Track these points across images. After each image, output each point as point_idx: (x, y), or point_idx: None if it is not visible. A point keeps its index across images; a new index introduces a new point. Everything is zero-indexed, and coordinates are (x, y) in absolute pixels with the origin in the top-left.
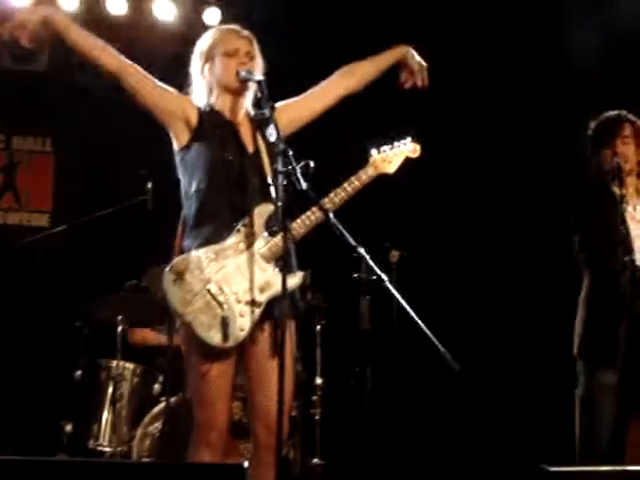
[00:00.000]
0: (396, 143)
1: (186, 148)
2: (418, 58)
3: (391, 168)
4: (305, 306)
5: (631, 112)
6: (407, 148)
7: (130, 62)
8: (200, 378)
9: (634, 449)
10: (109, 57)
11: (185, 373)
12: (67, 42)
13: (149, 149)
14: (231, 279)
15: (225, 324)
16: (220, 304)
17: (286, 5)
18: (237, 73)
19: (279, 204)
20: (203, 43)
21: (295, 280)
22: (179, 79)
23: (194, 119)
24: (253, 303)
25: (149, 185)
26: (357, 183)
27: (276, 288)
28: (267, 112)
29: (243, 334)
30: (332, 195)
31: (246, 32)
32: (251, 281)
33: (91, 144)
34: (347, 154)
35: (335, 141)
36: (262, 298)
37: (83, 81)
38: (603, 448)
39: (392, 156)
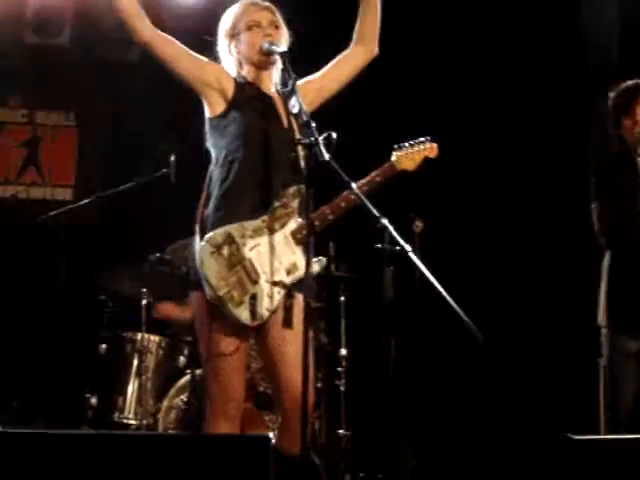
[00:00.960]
0: (416, 141)
1: (222, 116)
2: None
3: (411, 166)
4: (323, 277)
5: None
6: (426, 148)
7: (165, 35)
8: (216, 351)
9: None
10: (145, 26)
11: (200, 346)
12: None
13: (172, 122)
14: (264, 258)
15: (253, 302)
16: (252, 281)
17: None
18: (260, 48)
19: (310, 191)
20: (226, 21)
21: (316, 266)
22: (199, 49)
23: (230, 89)
24: (280, 284)
25: (172, 158)
26: (380, 179)
27: (301, 272)
28: (290, 84)
29: (267, 314)
30: (358, 186)
31: (267, 3)
32: (280, 262)
33: (114, 117)
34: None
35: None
36: (287, 280)
37: (106, 54)
38: (627, 416)
39: (413, 153)
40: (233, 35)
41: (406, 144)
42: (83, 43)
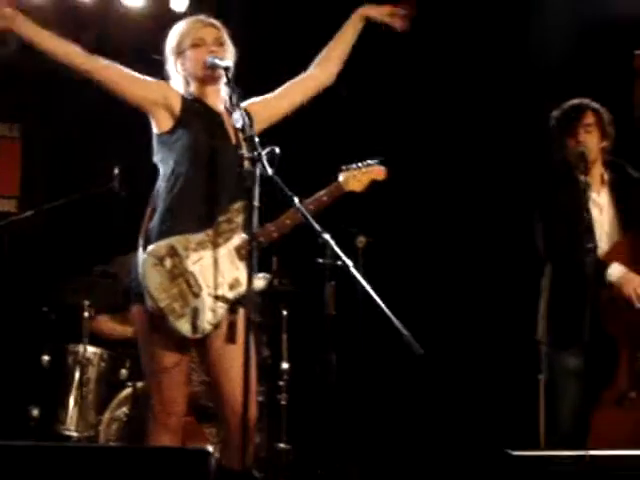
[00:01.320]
0: (364, 163)
1: (169, 133)
2: (380, 7)
3: (359, 187)
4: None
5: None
6: (373, 170)
7: (104, 60)
8: (158, 365)
9: (597, 433)
10: (81, 59)
11: (142, 359)
12: (36, 48)
13: (118, 135)
14: (207, 272)
15: (195, 315)
16: (194, 294)
17: None
18: (204, 63)
19: (255, 204)
20: (171, 39)
21: (260, 282)
22: (148, 66)
23: (177, 105)
24: (222, 299)
25: (116, 171)
26: (326, 199)
27: (244, 287)
28: (233, 98)
29: (209, 327)
30: (304, 204)
31: (211, 19)
32: (224, 277)
33: (60, 130)
34: (316, 171)
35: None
36: (230, 295)
37: (53, 67)
38: (566, 432)
39: (361, 175)
40: (179, 53)
41: (354, 165)
42: (29, 54)
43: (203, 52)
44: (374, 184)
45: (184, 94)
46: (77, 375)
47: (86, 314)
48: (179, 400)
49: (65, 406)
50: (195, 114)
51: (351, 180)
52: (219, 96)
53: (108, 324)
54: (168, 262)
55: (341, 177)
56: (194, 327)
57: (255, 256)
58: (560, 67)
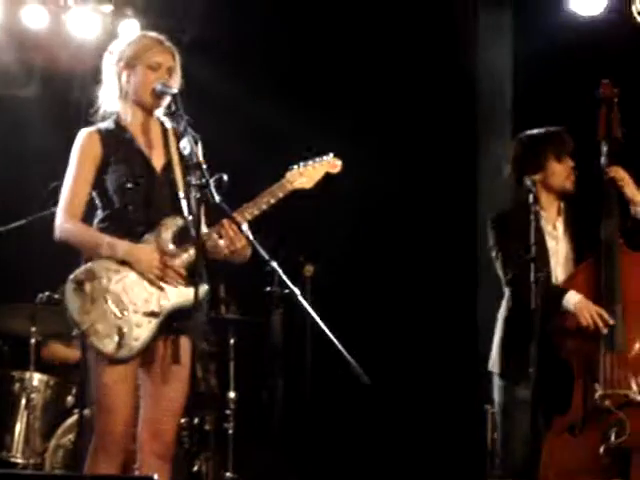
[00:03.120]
0: (317, 158)
1: (96, 169)
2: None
3: (308, 183)
4: (213, 320)
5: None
6: (327, 163)
7: (75, 210)
8: (98, 385)
9: (548, 460)
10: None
11: (87, 381)
12: None
13: (64, 159)
14: (131, 289)
15: (120, 334)
16: (116, 314)
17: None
18: (153, 90)
19: (189, 218)
20: (127, 48)
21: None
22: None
23: (98, 153)
24: (151, 314)
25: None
26: (270, 198)
27: (176, 300)
28: (182, 125)
29: (137, 344)
30: (243, 210)
31: (169, 44)
32: (151, 293)
33: (7, 155)
34: (262, 165)
35: (250, 151)
36: (160, 309)
37: (1, 92)
38: (518, 463)
39: (310, 171)
40: (130, 65)
41: (304, 162)
42: None
43: (154, 78)
44: (324, 210)
45: (105, 125)
46: (23, 402)
47: (33, 341)
48: (119, 424)
49: (11, 433)
50: (114, 149)
51: (297, 177)
52: (148, 119)
53: (61, 350)
54: (87, 286)
55: (287, 175)
56: (119, 346)
57: (202, 269)
58: (527, 94)
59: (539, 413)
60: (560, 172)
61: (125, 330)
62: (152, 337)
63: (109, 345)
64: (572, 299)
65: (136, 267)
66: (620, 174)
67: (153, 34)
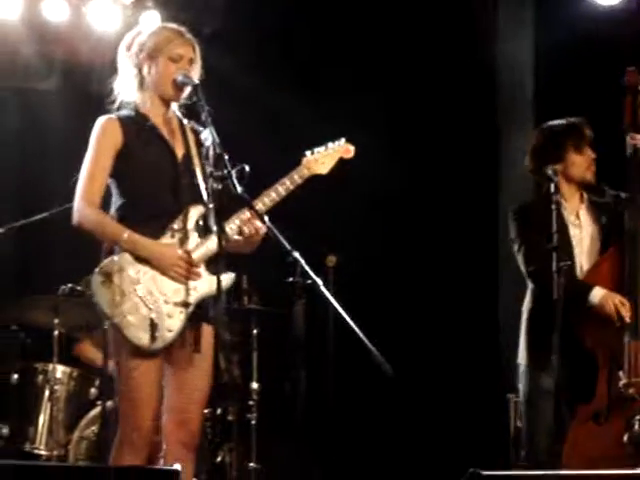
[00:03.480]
0: (330, 144)
1: (116, 157)
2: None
3: (324, 169)
4: (236, 310)
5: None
6: (340, 149)
7: (94, 197)
8: (126, 379)
9: (572, 449)
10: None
11: (113, 375)
12: None
13: (83, 153)
14: (160, 280)
15: (153, 325)
16: (148, 305)
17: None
18: (174, 81)
19: (210, 206)
20: (148, 40)
21: (226, 282)
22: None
23: (119, 138)
24: (182, 304)
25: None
26: (289, 184)
27: (204, 289)
28: (203, 116)
29: (171, 335)
30: (262, 196)
31: (190, 36)
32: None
33: (29, 148)
34: (282, 156)
35: (270, 142)
36: (190, 299)
37: (23, 85)
38: (543, 452)
39: (325, 156)
40: (152, 57)
41: (318, 148)
42: None
43: (175, 69)
44: (346, 201)
45: (126, 111)
46: (47, 394)
47: (56, 333)
48: (145, 416)
49: (34, 425)
50: (135, 135)
51: (312, 164)
52: (168, 109)
53: (91, 351)
54: (116, 278)
55: (303, 162)
56: (153, 337)
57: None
58: (548, 85)
59: (563, 402)
60: (580, 163)
61: (157, 321)
62: (184, 327)
63: (143, 337)
64: (598, 294)
65: (156, 265)
66: None
67: (174, 26)
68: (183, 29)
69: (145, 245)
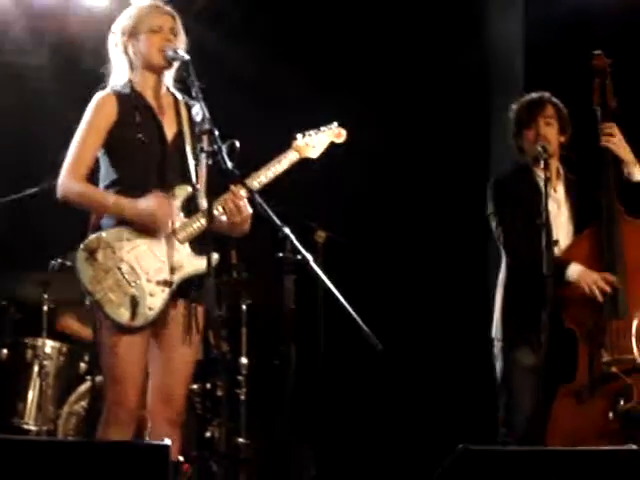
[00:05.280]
0: (322, 128)
1: (108, 132)
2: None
3: (314, 153)
4: (225, 285)
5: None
6: (332, 133)
7: (79, 170)
8: (109, 355)
9: (555, 426)
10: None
11: (98, 351)
12: None
13: (73, 128)
14: (143, 258)
15: (134, 303)
16: (130, 283)
17: None
18: (163, 52)
19: (198, 186)
20: (125, 20)
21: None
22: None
23: (114, 114)
24: (164, 283)
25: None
26: (277, 167)
27: (188, 269)
28: (194, 91)
29: (152, 313)
30: (250, 179)
31: (168, 8)
32: (163, 261)
33: (19, 123)
34: (273, 138)
35: (259, 124)
36: (173, 278)
37: (13, 60)
38: (524, 429)
39: (316, 140)
40: (132, 35)
41: (309, 132)
42: None
43: (159, 39)
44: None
45: (120, 88)
46: (36, 369)
47: (45, 308)
48: (130, 392)
49: (24, 400)
50: (128, 113)
51: (303, 148)
52: (160, 84)
53: (74, 325)
54: (100, 254)
55: (293, 145)
56: (133, 314)
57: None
58: (527, 67)
59: (547, 378)
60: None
61: (139, 299)
62: (165, 306)
63: (124, 315)
64: (574, 270)
65: (148, 219)
66: (614, 130)
67: (147, 2)
68: (158, 2)
69: (134, 204)
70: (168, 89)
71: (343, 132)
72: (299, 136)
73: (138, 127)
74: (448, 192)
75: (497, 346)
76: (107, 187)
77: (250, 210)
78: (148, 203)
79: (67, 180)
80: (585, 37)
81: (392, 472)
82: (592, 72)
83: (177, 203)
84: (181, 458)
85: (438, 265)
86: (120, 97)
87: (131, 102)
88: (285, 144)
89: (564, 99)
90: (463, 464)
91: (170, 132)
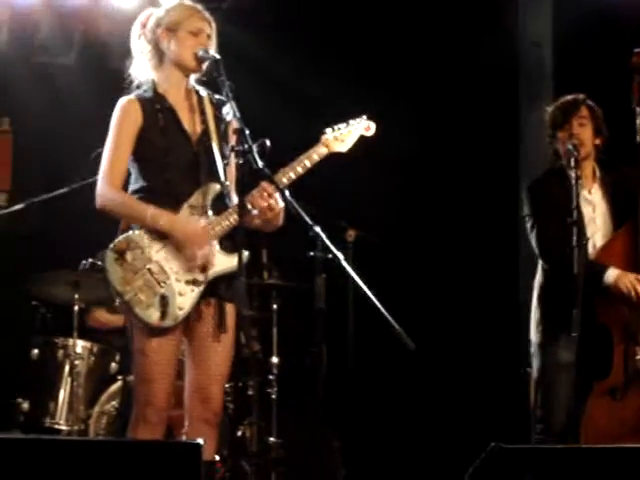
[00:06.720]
0: (351, 121)
1: (137, 137)
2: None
3: (344, 147)
4: (256, 285)
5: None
6: (361, 126)
7: (115, 179)
8: (139, 355)
9: (590, 424)
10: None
11: (129, 350)
12: None
13: (102, 128)
14: (172, 257)
15: (164, 302)
16: (159, 283)
17: None
18: (195, 53)
19: (227, 183)
20: (168, 15)
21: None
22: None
23: (139, 119)
24: (194, 282)
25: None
26: (307, 162)
27: (217, 268)
28: (225, 91)
29: (182, 313)
30: (279, 174)
31: (207, 14)
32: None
33: (50, 123)
34: (302, 132)
35: (289, 119)
36: (203, 277)
37: (42, 59)
38: (561, 427)
39: (345, 134)
40: (170, 30)
41: (338, 125)
42: (20, 48)
43: (195, 42)
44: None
45: (143, 91)
46: (67, 369)
47: (76, 308)
48: (159, 391)
49: (55, 400)
50: (153, 115)
51: (332, 142)
52: (185, 84)
53: (104, 315)
54: (129, 255)
55: (322, 139)
56: (163, 314)
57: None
58: (556, 65)
59: (581, 376)
60: (577, 135)
61: (169, 299)
62: (195, 305)
63: (153, 315)
64: (612, 274)
65: (181, 239)
66: None
67: (191, 3)
68: (200, 6)
69: (169, 220)
70: (192, 87)
71: (372, 125)
72: (328, 130)
73: (162, 132)
74: (479, 190)
75: (534, 346)
76: (135, 192)
77: (282, 204)
78: (186, 230)
79: (106, 191)
80: (614, 35)
81: (423, 472)
82: (629, 70)
83: (207, 203)
84: (217, 457)
85: (469, 264)
86: (143, 102)
87: (154, 106)
88: (314, 138)
89: (593, 97)
90: (495, 463)
91: (196, 131)
